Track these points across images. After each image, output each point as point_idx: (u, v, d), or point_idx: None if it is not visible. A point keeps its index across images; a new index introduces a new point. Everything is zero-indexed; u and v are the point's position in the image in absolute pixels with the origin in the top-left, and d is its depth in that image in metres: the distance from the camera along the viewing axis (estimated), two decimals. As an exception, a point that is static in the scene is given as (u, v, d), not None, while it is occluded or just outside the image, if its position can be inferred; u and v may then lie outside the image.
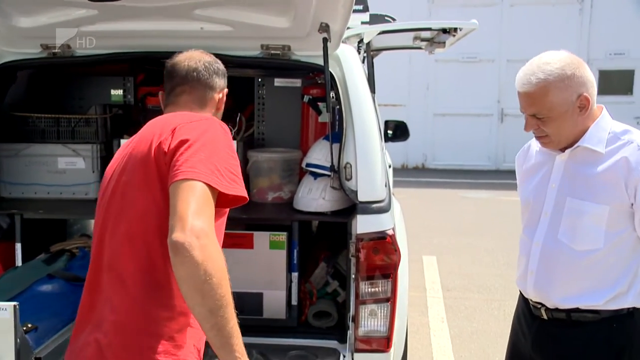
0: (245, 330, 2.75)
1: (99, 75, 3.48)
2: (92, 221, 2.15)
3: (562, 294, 2.09)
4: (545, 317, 2.15)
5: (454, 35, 3.78)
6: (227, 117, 3.28)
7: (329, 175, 2.72)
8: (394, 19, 4.44)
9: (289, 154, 3.13)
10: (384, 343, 2.55)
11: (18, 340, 2.01)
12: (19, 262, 2.89)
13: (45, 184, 3.13)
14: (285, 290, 2.84)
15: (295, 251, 2.85)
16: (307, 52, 2.69)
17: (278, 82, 3.32)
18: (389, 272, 2.51)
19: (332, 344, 2.71)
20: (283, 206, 3.00)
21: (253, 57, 2.74)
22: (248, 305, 2.81)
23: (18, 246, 2.88)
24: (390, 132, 5.28)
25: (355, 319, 2.54)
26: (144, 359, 1.66)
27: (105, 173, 1.91)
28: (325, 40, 2.52)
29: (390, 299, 2.52)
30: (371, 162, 2.61)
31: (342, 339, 2.69)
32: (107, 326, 1.70)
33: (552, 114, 2.01)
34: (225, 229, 1.88)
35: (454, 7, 13.22)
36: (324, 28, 2.47)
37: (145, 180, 1.73)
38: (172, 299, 1.69)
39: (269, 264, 2.83)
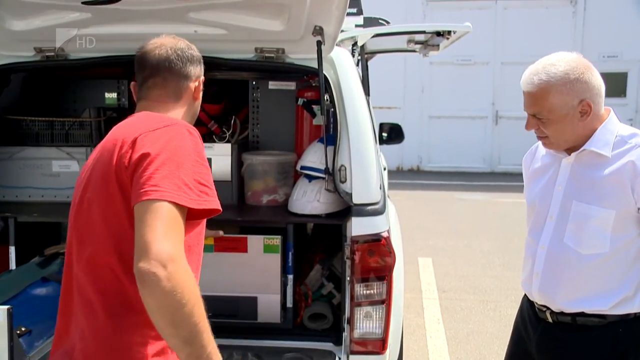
0: (240, 332, 2.77)
1: (93, 79, 3.48)
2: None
3: (567, 298, 2.07)
4: (550, 320, 2.14)
5: (447, 38, 3.80)
6: (222, 120, 3.31)
7: (323, 178, 2.72)
8: (388, 22, 4.45)
9: (283, 157, 3.13)
10: (379, 345, 2.55)
11: (11, 343, 2.00)
12: (13, 265, 2.88)
13: (39, 187, 3.12)
14: (280, 294, 2.83)
15: (290, 254, 2.85)
16: (301, 55, 2.69)
17: (272, 85, 3.33)
18: (384, 274, 2.51)
19: (328, 346, 2.71)
20: (278, 209, 3.00)
21: (247, 60, 2.75)
22: (242, 310, 2.80)
23: (12, 249, 2.87)
24: (385, 134, 5.28)
25: (350, 321, 2.54)
26: None
27: (76, 184, 1.79)
28: (319, 43, 2.52)
29: (385, 301, 2.52)
30: (366, 165, 2.61)
31: (338, 341, 2.69)
32: (76, 355, 1.64)
33: (551, 116, 2.00)
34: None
35: (448, 10, 13.25)
36: (318, 31, 2.48)
37: (107, 198, 1.61)
38: (144, 323, 1.55)
39: (263, 268, 2.81)
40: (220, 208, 1.64)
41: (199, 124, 3.17)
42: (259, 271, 2.82)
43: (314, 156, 2.83)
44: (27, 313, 2.39)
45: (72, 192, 1.81)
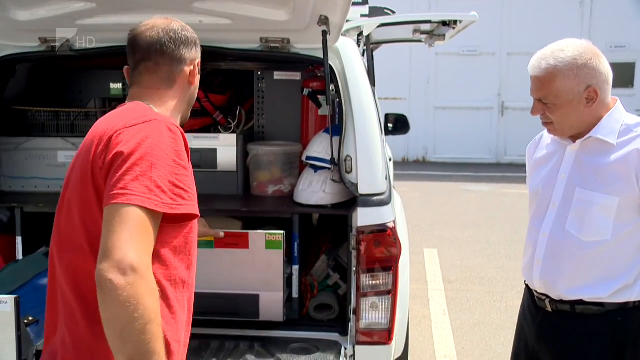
0: (246, 324, 2.77)
1: (98, 69, 3.47)
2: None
3: (567, 285, 2.08)
4: (549, 309, 2.14)
5: (454, 28, 3.77)
6: (227, 111, 3.31)
7: (329, 168, 2.72)
8: (393, 12, 4.42)
9: (289, 147, 3.13)
10: (385, 335, 2.55)
11: (19, 333, 2.02)
12: (19, 255, 2.89)
13: (45, 178, 3.13)
14: (283, 291, 2.74)
15: (296, 244, 2.85)
16: (307, 45, 2.68)
17: (278, 75, 3.32)
18: (389, 264, 2.51)
19: (334, 336, 2.71)
20: (283, 199, 3.00)
21: (252, 50, 2.74)
22: (244, 308, 2.73)
23: (19, 240, 2.88)
24: (390, 125, 5.27)
25: (356, 312, 2.54)
26: None
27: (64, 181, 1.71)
28: (324, 33, 2.51)
29: (391, 292, 2.52)
30: (371, 155, 2.60)
31: (344, 332, 2.69)
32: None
33: (557, 101, 2.01)
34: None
35: (454, 1, 13.19)
36: (324, 21, 2.47)
37: (85, 200, 1.54)
38: None
39: (265, 265, 2.71)
40: (197, 213, 1.55)
41: (204, 114, 3.20)
42: (260, 268, 2.71)
43: (319, 146, 2.83)
44: (34, 303, 2.39)
45: None
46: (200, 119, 3.19)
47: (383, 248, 2.50)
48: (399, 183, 5.69)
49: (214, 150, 3.03)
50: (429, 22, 3.93)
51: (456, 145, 13.81)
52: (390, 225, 2.53)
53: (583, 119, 2.03)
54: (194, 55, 1.77)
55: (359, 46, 3.32)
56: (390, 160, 4.10)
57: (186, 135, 1.61)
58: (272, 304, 2.73)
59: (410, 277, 3.23)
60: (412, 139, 12.69)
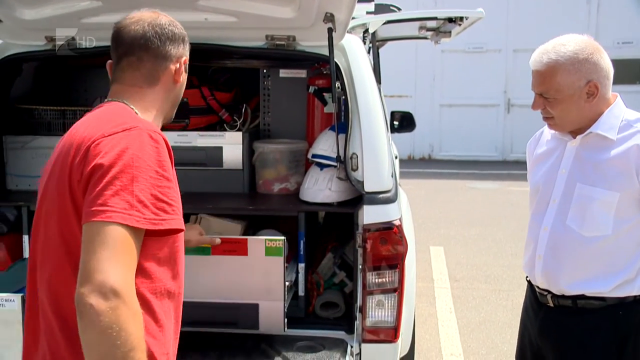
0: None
1: (104, 67, 3.47)
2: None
3: (569, 280, 2.09)
4: (551, 304, 2.16)
5: (460, 25, 3.76)
6: (233, 109, 3.30)
7: (335, 166, 2.71)
8: (399, 9, 4.42)
9: (294, 145, 3.13)
10: (391, 333, 2.55)
11: (26, 331, 2.01)
12: (26, 254, 2.90)
13: (51, 177, 3.13)
14: (283, 301, 2.59)
15: (302, 242, 2.84)
16: (312, 42, 2.67)
17: (283, 73, 3.31)
18: (396, 262, 2.50)
19: (340, 334, 2.71)
20: (289, 197, 3.00)
21: (258, 48, 2.73)
22: (242, 318, 2.61)
23: (25, 238, 2.89)
24: (396, 123, 5.27)
25: (362, 310, 2.54)
26: None
27: (39, 182, 1.61)
28: (330, 31, 2.51)
29: (397, 290, 2.52)
30: (377, 153, 2.60)
31: (350, 330, 2.69)
32: None
33: (558, 96, 2.02)
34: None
35: (460, -3, 13.16)
36: (329, 18, 2.46)
37: (62, 213, 1.46)
38: None
39: (265, 272, 2.57)
40: (182, 227, 1.47)
41: (210, 112, 3.20)
42: (260, 276, 2.58)
43: (325, 144, 2.82)
44: (40, 301, 2.40)
45: None
46: (205, 117, 3.19)
47: (389, 246, 2.50)
48: (404, 181, 5.68)
49: (220, 149, 3.03)
50: (435, 18, 3.92)
51: (462, 143, 13.77)
52: (397, 223, 2.52)
53: (583, 114, 2.04)
54: (181, 52, 1.68)
55: (364, 43, 3.31)
56: (396, 157, 4.09)
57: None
58: (272, 314, 2.60)
59: (417, 275, 3.22)
60: (418, 137, 12.68)
